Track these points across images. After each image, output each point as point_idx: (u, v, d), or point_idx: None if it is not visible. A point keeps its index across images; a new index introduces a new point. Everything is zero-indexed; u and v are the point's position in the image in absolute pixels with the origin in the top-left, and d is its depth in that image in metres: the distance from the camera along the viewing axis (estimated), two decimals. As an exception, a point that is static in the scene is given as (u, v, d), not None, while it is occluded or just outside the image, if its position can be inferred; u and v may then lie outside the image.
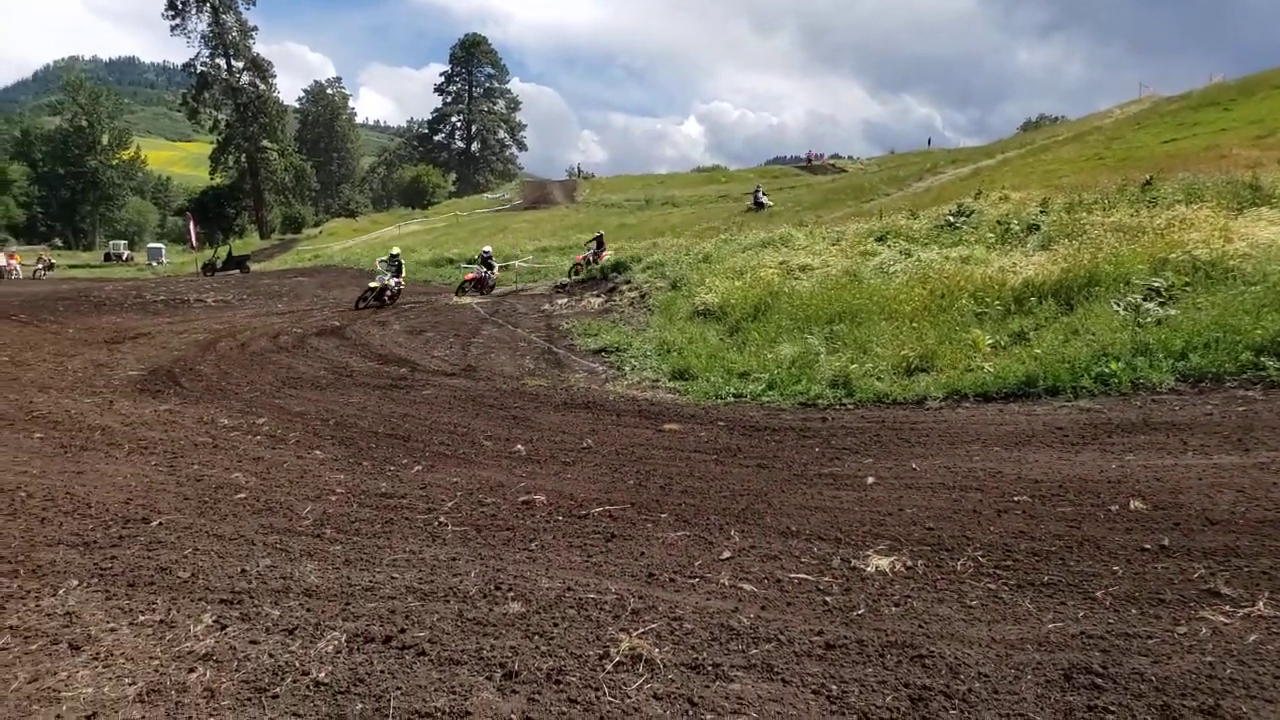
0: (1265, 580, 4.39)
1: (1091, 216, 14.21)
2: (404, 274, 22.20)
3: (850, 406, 9.18)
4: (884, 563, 4.92)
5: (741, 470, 7.22)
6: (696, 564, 5.02)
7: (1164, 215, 13.07)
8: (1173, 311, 9.41)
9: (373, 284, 21.29)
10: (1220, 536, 5.01)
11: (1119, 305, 9.80)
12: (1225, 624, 3.98)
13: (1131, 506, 5.59)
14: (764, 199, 41.85)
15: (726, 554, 5.18)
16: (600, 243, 28.39)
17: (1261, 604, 4.12)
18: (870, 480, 6.63)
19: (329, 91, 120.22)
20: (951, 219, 17.15)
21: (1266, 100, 30.00)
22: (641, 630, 4.01)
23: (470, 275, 24.07)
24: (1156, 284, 10.07)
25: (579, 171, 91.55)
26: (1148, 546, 4.94)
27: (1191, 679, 3.50)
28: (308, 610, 4.28)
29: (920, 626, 4.14)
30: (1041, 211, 16.00)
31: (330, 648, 3.85)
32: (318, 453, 7.88)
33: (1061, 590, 4.48)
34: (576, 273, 24.43)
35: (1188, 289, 9.90)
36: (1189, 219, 12.31)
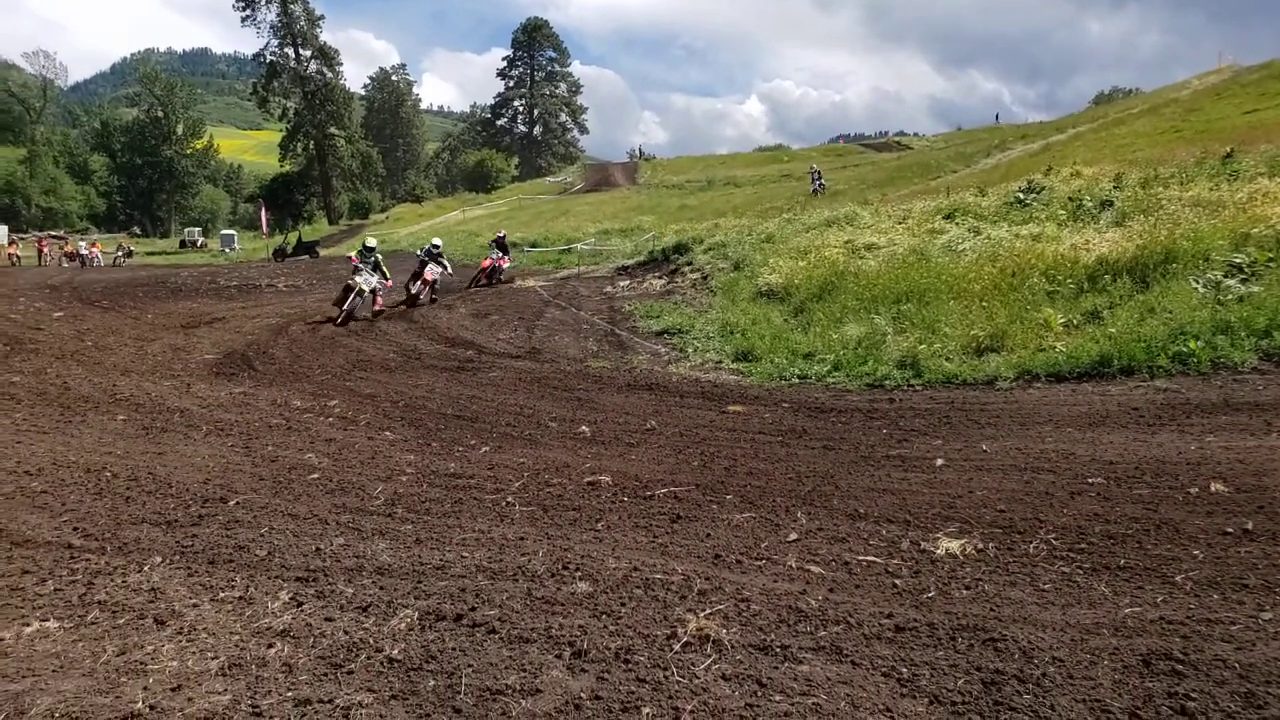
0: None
1: (1168, 191, 13.75)
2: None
3: (918, 388, 9.07)
4: (954, 545, 4.86)
5: (807, 452, 7.19)
6: (763, 546, 5.01)
7: (1246, 189, 12.58)
8: (1256, 288, 9.06)
9: (353, 282, 16.20)
10: (1308, 521, 4.85)
11: (1198, 282, 9.47)
12: None
13: (1212, 489, 5.43)
14: (820, 182, 39.68)
15: (793, 536, 5.16)
16: (503, 245, 24.00)
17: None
18: (939, 462, 6.55)
19: (394, 78, 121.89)
20: (1021, 196, 16.71)
21: (1359, 66, 28.58)
22: (709, 611, 4.03)
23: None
24: (1238, 260, 9.71)
25: (640, 153, 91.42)
26: (1230, 530, 4.81)
27: (1277, 666, 3.41)
28: (380, 588, 4.39)
29: (992, 610, 4.09)
30: (1115, 187, 15.51)
31: (403, 625, 3.95)
32: (388, 434, 8.06)
33: (1139, 574, 4.38)
34: (478, 283, 21.80)
35: (1271, 265, 9.51)
36: (1273, 192, 11.82)
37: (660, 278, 18.88)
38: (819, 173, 41.41)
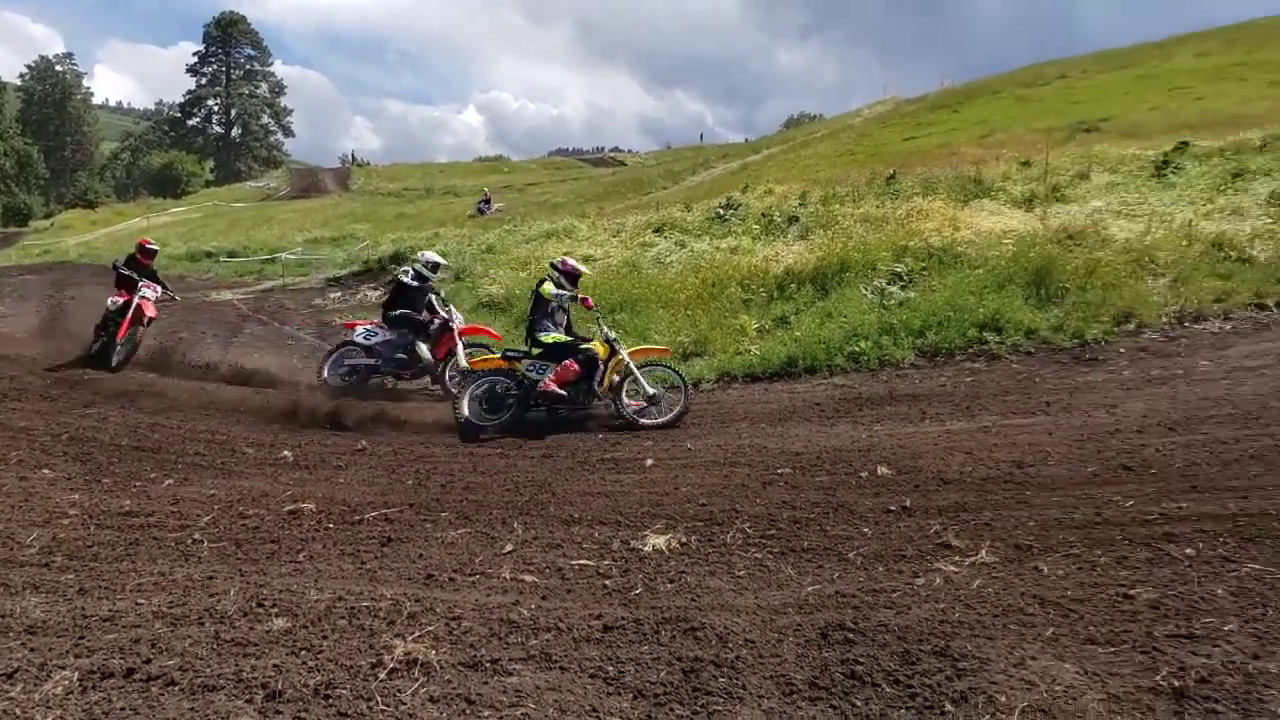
0: (987, 531, 4.92)
1: (844, 208, 15.32)
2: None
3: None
4: (660, 541, 5.08)
5: (525, 462, 7.23)
6: (478, 560, 4.96)
7: (904, 207, 14.31)
8: (913, 294, 10.35)
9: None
10: (952, 494, 5.58)
11: (867, 289, 10.66)
12: (955, 573, 4.42)
13: (879, 472, 6.10)
14: (488, 206, 36.93)
15: (509, 547, 5.16)
16: (137, 269, 16.96)
17: (984, 552, 4.62)
18: (649, 462, 6.84)
19: (58, 68, 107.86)
20: (721, 212, 17.90)
21: (988, 104, 33.48)
22: (418, 634, 3.91)
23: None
24: (899, 269, 11.04)
25: (353, 159, 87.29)
26: (893, 508, 5.41)
27: (927, 625, 3.87)
28: (31, 650, 3.82)
29: (693, 600, 4.31)
30: (800, 204, 17.05)
31: (59, 689, 3.46)
32: (46, 471, 7.01)
33: (819, 554, 4.81)
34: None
35: (924, 273, 10.92)
36: (925, 210, 13.55)
37: (376, 289, 18.22)
38: (489, 199, 38.66)
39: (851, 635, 3.82)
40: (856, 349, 9.18)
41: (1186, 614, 3.81)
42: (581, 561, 4.87)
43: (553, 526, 5.51)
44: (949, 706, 3.26)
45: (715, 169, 38.89)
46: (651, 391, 8.33)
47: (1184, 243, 10.79)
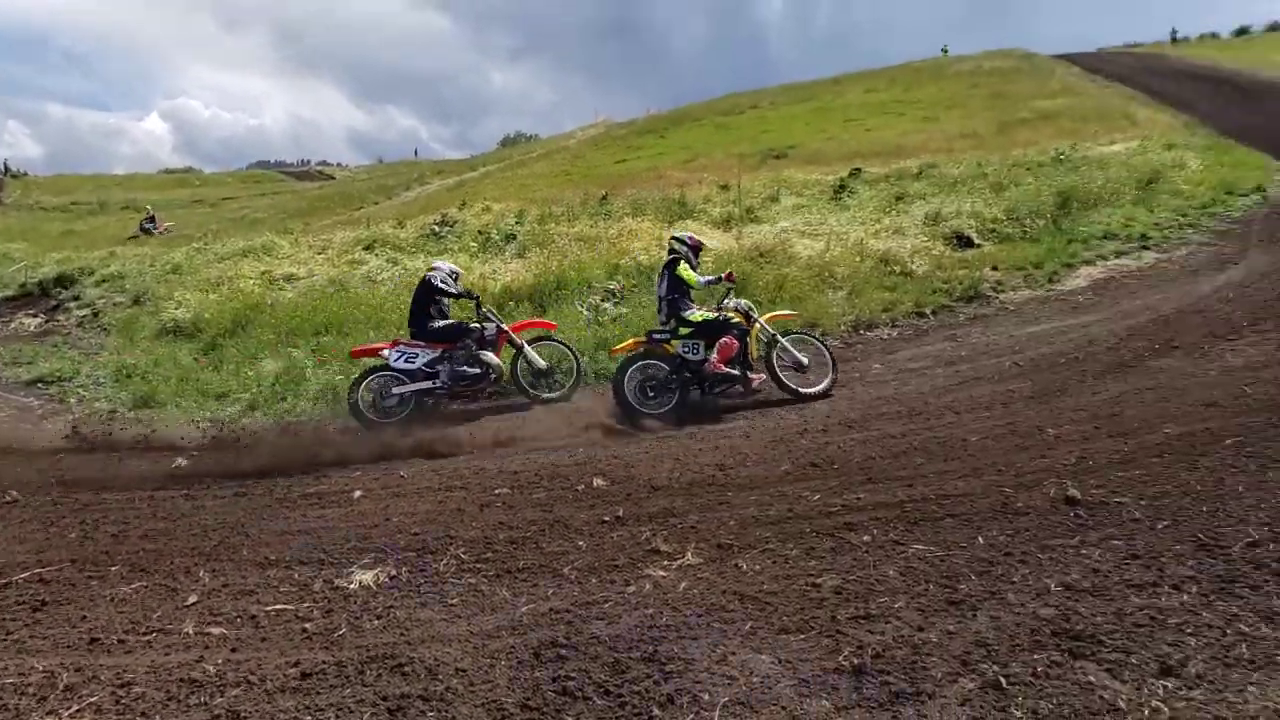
0: (693, 533, 5.14)
1: (559, 227, 15.60)
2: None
3: (340, 419, 8.93)
4: (368, 576, 4.82)
5: (215, 502, 6.61)
6: (154, 617, 4.43)
7: (616, 226, 14.83)
8: (625, 310, 10.70)
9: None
10: (661, 500, 5.77)
11: (583, 306, 10.89)
12: (663, 577, 4.57)
13: (595, 484, 6.19)
14: (154, 225, 32.67)
15: (192, 599, 4.66)
16: None
17: (690, 554, 4.81)
18: (357, 494, 6.48)
19: None
20: (437, 228, 17.59)
21: (691, 130, 35.67)
22: (76, 708, 3.42)
23: None
24: (612, 286, 11.39)
25: (6, 169, 76.23)
26: (606, 519, 5.51)
27: (636, 632, 3.95)
28: None
29: (402, 634, 4.12)
30: (518, 222, 17.13)
31: None
32: None
33: (535, 572, 4.78)
34: None
35: (634, 290, 11.35)
36: (635, 230, 14.12)
37: (36, 316, 15.97)
38: (154, 217, 33.78)
39: (564, 651, 3.82)
40: (572, 365, 9.33)
41: (865, 596, 4.17)
42: (278, 606, 4.51)
43: (245, 571, 5.05)
44: (656, 711, 3.33)
45: (431, 185, 38.25)
46: (802, 358, 8.23)
47: (857, 259, 12.02)
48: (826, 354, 8.43)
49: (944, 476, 5.74)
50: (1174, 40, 52.98)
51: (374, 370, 8.82)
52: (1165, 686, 3.26)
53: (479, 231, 16.90)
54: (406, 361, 8.77)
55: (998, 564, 4.36)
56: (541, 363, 8.80)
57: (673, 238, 8.83)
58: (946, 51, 50.71)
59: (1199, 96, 27.71)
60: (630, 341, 8.46)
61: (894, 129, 27.92)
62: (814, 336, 8.87)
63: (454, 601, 4.48)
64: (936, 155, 20.97)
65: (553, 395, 8.80)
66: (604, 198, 18.86)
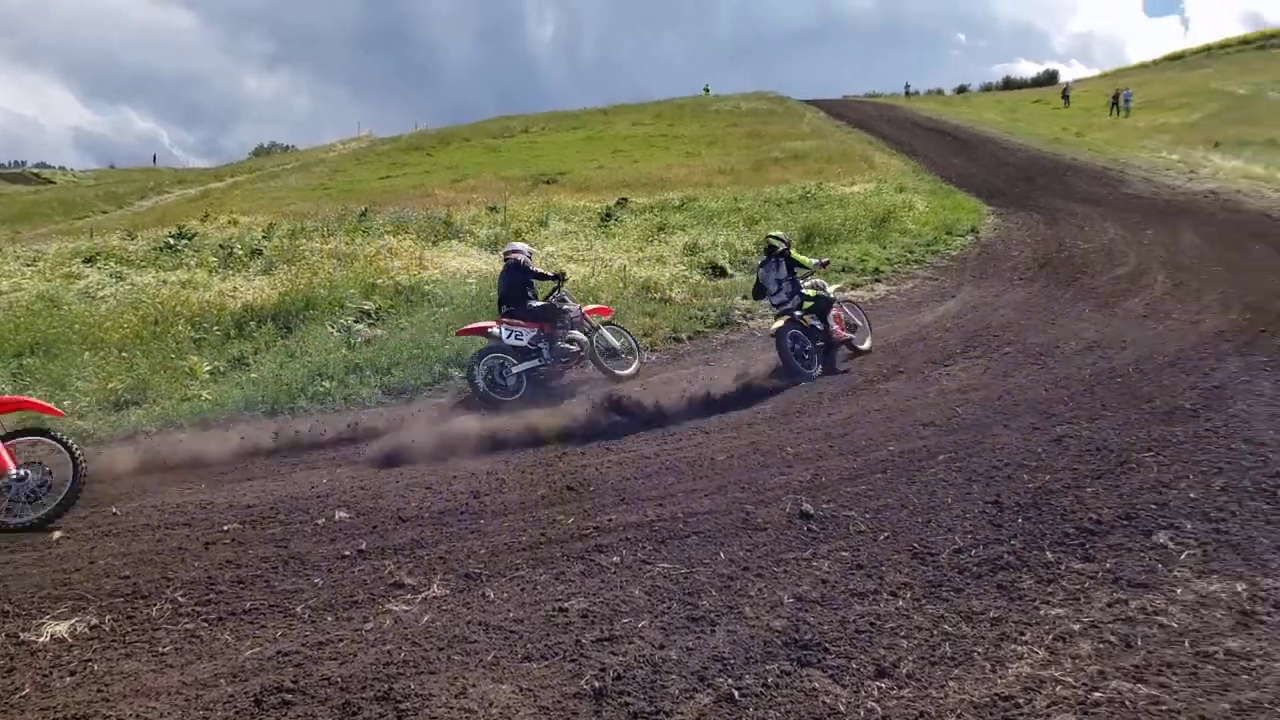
0: (440, 564, 4.96)
1: (312, 243, 14.81)
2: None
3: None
4: (62, 628, 4.27)
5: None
6: None
7: (375, 244, 14.28)
8: (380, 332, 10.28)
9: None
10: (410, 531, 5.53)
11: (334, 327, 10.34)
12: (405, 611, 4.36)
13: (337, 517, 5.84)
14: None
15: None
16: None
17: (436, 586, 4.64)
18: (56, 535, 5.75)
19: None
20: (173, 241, 16.15)
21: (460, 150, 35.32)
22: None
23: None
24: (367, 307, 10.92)
25: None
26: (348, 553, 5.20)
27: (372, 670, 3.74)
28: None
29: (99, 691, 3.68)
30: (265, 237, 16.10)
31: None
32: None
33: (264, 613, 4.42)
34: None
35: (392, 310, 10.94)
36: (395, 248, 13.67)
37: None
38: None
39: (290, 696, 3.55)
40: (321, 389, 8.81)
41: (610, 618, 4.18)
42: (-58, 670, 3.87)
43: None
44: (385, 753, 3.15)
45: (171, 195, 35.38)
46: (616, 344, 9.64)
47: (621, 284, 12.28)
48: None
49: (692, 495, 5.91)
50: (907, 94, 58.78)
51: (485, 352, 8.91)
52: (880, 687, 3.48)
53: (221, 245, 15.68)
54: (516, 339, 9.04)
55: (737, 579, 4.52)
56: (615, 342, 9.60)
57: (771, 235, 9.79)
58: (709, 90, 53.57)
59: (927, 145, 30.85)
60: (784, 318, 9.14)
61: (659, 161, 28.98)
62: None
63: (166, 650, 4.06)
64: (697, 188, 21.96)
65: (624, 372, 9.42)
66: (363, 214, 18.17)
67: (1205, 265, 12.46)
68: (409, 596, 4.54)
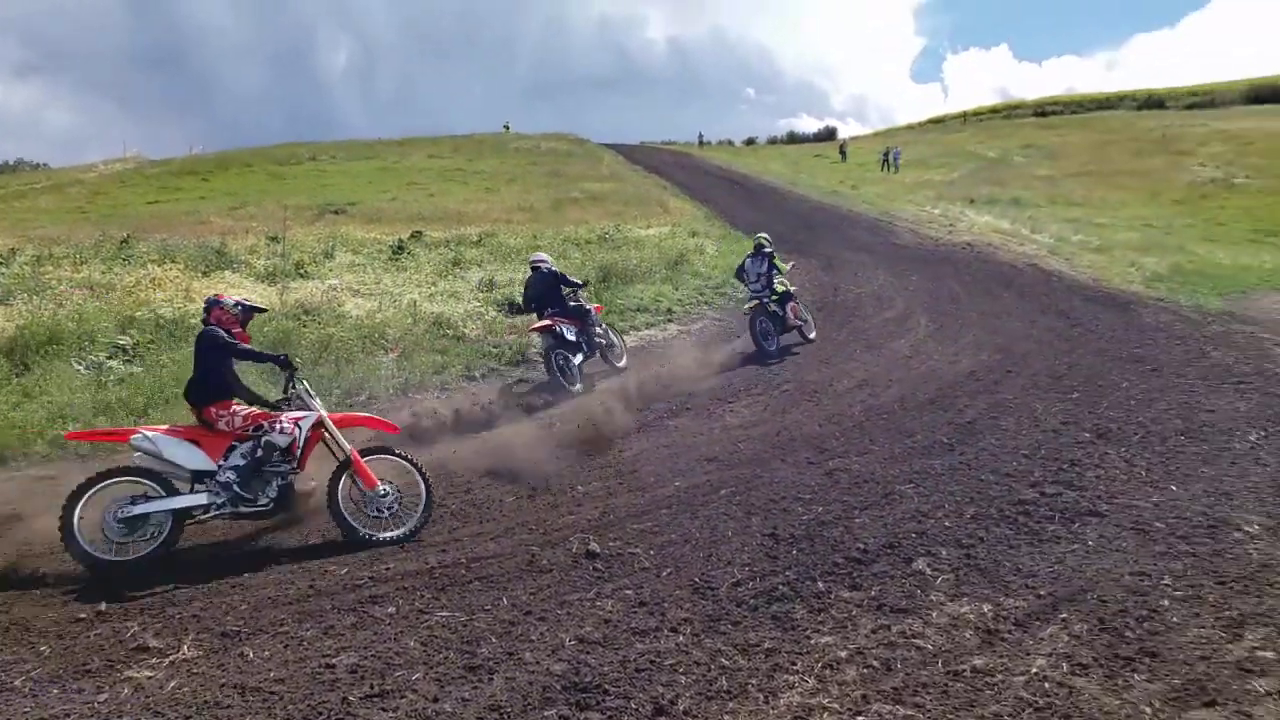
0: (194, 623, 4.52)
1: (59, 271, 13.38)
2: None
3: None
4: None
5: None
6: None
7: (136, 274, 13.09)
8: (137, 369, 9.37)
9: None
10: (159, 589, 5.03)
11: (81, 364, 9.32)
12: (149, 678, 3.94)
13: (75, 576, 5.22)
14: None
15: None
16: None
17: (186, 647, 4.21)
18: None
19: None
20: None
21: (239, 176, 33.35)
22: None
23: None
24: (122, 342, 9.93)
25: None
26: (83, 616, 4.68)
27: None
28: None
29: None
30: (3, 263, 14.37)
31: None
32: None
33: (-30, 696, 3.82)
34: None
35: (152, 346, 10.01)
36: (159, 278, 12.58)
37: None
38: None
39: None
40: (63, 433, 7.88)
41: (381, 672, 3.93)
42: None
43: None
44: None
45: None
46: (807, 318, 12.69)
47: (410, 320, 11.88)
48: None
49: (477, 539, 5.74)
50: (700, 143, 61.34)
51: (552, 348, 10.13)
52: (656, 727, 3.45)
53: (-58, 272, 13.84)
54: (570, 334, 10.30)
55: (519, 624, 4.39)
56: (614, 338, 11.43)
57: (760, 236, 12.57)
58: (509, 128, 53.67)
59: (718, 193, 32.18)
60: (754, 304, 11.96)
61: (457, 196, 28.59)
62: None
63: None
64: (496, 224, 21.79)
65: (620, 364, 11.15)
66: (125, 240, 16.67)
67: (962, 310, 13.64)
68: (154, 661, 4.10)
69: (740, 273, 12.31)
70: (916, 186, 33.39)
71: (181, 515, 5.55)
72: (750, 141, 69.50)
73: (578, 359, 10.15)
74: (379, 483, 5.87)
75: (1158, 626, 4.12)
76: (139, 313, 10.83)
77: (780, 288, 11.93)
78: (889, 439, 7.51)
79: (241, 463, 5.66)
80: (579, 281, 11.04)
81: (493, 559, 5.33)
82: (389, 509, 5.89)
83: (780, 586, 4.68)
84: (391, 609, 4.65)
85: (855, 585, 4.67)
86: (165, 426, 5.95)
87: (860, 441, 7.48)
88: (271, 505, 5.81)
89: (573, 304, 10.59)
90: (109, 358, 9.54)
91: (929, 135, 56.62)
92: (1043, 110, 60.20)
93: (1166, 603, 4.35)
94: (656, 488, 6.59)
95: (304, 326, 10.93)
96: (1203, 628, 4.10)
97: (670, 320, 14.16)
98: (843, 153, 48.00)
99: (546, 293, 10.50)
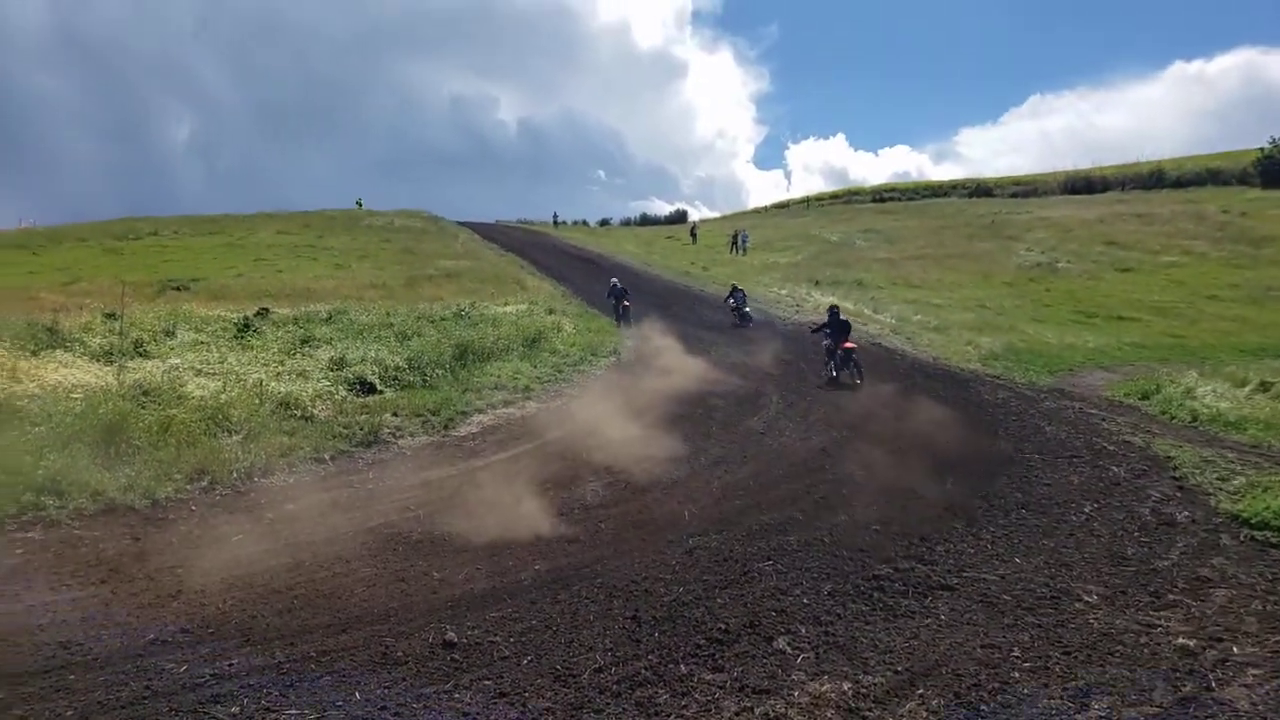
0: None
1: None
2: None
3: None
4: None
5: None
6: None
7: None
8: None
9: None
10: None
11: (-119, 452, 8.52)
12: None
13: None
14: None
15: None
16: None
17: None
18: None
19: None
20: None
21: (73, 250, 31.50)
22: None
23: None
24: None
25: None
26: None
27: None
28: None
29: None
30: None
31: None
32: None
33: None
34: None
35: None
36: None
37: None
38: None
39: None
40: None
41: (225, 783, 3.75)
42: None
43: None
44: None
45: None
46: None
47: (257, 401, 11.44)
48: None
49: (328, 631, 5.54)
50: (555, 223, 62.12)
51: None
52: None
53: None
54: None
55: (372, 721, 4.28)
56: None
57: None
58: (361, 204, 52.91)
59: (573, 272, 32.65)
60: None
61: (306, 272, 27.89)
62: None
63: None
64: (347, 301, 21.33)
65: None
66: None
67: (810, 389, 14.31)
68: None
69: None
70: (764, 268, 34.91)
71: None
72: (604, 222, 71.00)
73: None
74: None
75: (1010, 699, 4.43)
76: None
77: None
78: (745, 515, 7.77)
79: None
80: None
81: (344, 652, 5.16)
82: None
83: (643, 671, 4.74)
84: (236, 709, 4.45)
85: (718, 667, 4.79)
86: None
87: (718, 518, 7.71)
88: None
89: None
90: (-86, 445, 8.75)
91: (775, 219, 59.45)
92: (880, 196, 64.21)
93: (1017, 674, 4.69)
94: (516, 572, 6.56)
95: (142, 408, 10.35)
96: (1052, 699, 4.44)
97: (529, 398, 14.19)
98: (694, 235, 49.67)
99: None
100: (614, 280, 23.88)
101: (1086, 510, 7.89)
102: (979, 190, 60.61)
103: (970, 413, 12.38)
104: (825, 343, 15.83)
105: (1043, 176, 59.98)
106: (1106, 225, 37.92)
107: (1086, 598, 5.83)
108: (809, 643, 5.09)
